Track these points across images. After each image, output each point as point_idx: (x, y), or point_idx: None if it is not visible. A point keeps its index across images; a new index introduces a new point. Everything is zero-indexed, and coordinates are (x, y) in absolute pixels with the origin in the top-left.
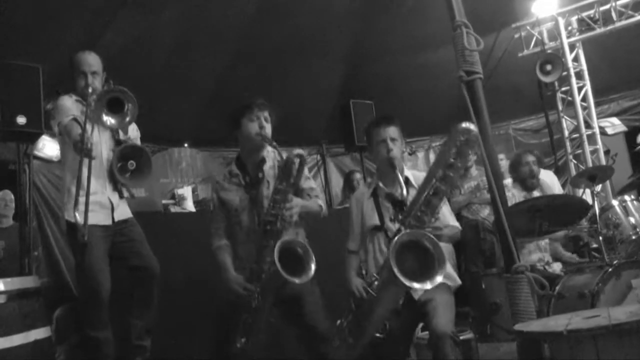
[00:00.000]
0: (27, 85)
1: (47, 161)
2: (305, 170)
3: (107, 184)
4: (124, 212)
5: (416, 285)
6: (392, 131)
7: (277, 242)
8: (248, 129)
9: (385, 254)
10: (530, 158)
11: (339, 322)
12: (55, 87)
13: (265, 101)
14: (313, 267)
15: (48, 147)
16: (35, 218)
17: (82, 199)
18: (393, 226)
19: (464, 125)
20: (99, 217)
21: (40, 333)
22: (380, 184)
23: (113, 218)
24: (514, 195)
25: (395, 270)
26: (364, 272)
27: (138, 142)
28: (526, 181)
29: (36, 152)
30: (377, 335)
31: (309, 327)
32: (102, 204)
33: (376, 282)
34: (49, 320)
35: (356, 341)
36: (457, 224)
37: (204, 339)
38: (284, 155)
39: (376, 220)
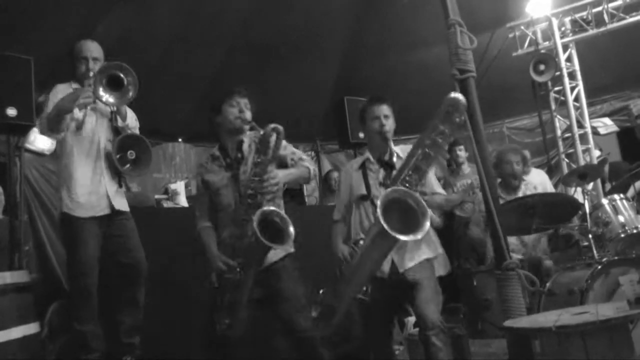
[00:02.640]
0: (18, 77)
1: (38, 154)
2: (285, 143)
3: (105, 172)
4: (121, 203)
5: (403, 237)
6: (385, 109)
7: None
8: (228, 114)
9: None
10: (514, 158)
11: (321, 290)
12: (47, 79)
13: (246, 90)
14: (292, 233)
15: (39, 139)
16: (27, 212)
17: (78, 190)
18: (380, 195)
19: (452, 95)
20: (95, 209)
21: (29, 328)
22: (370, 157)
23: (112, 207)
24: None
25: (383, 222)
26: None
27: (137, 132)
28: (506, 178)
29: (27, 145)
30: (360, 297)
31: (286, 320)
32: (98, 194)
33: (361, 242)
34: (38, 315)
35: (339, 303)
36: (443, 191)
37: (196, 335)
38: (262, 132)
39: (363, 190)
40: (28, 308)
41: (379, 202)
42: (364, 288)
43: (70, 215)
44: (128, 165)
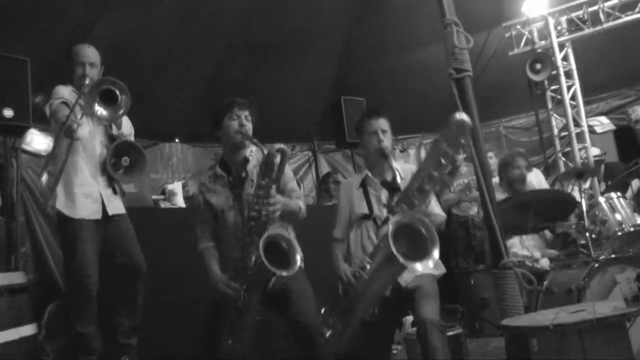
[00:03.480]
0: (14, 78)
1: (35, 155)
2: (289, 171)
3: (100, 177)
4: (116, 206)
5: (417, 265)
6: (383, 123)
7: (261, 238)
8: (229, 128)
9: (374, 241)
10: (523, 162)
11: (323, 309)
12: (43, 80)
13: (246, 101)
14: (298, 259)
15: (36, 140)
16: (23, 213)
17: (76, 190)
18: (382, 214)
19: (459, 117)
20: (89, 210)
21: (27, 330)
22: (370, 174)
23: (106, 212)
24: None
25: (394, 250)
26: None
27: (132, 139)
28: (515, 184)
29: (24, 146)
30: (368, 319)
31: (296, 323)
32: (92, 197)
33: (368, 266)
34: (35, 317)
35: (346, 326)
36: (442, 213)
37: (192, 337)
38: (266, 151)
39: (365, 209)
40: (25, 309)
41: (390, 228)
42: (372, 310)
43: (66, 216)
44: (122, 171)
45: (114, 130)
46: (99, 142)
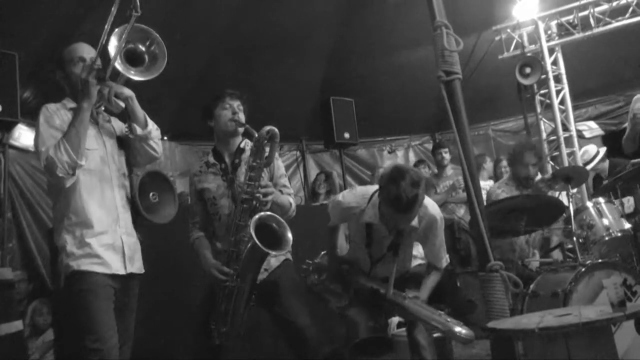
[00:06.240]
0: (2, 73)
1: (23, 151)
2: (281, 166)
3: (122, 218)
4: (139, 263)
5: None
6: (409, 219)
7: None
8: (222, 117)
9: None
10: (532, 159)
11: (322, 252)
12: (32, 75)
13: (237, 92)
14: (290, 238)
15: (24, 136)
16: (10, 209)
17: (91, 241)
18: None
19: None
20: (109, 265)
21: (12, 327)
22: (379, 224)
23: (126, 267)
24: (505, 192)
25: None
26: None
27: (159, 145)
28: (522, 181)
29: (12, 141)
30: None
31: (287, 323)
32: (114, 247)
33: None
34: (21, 313)
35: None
36: (444, 258)
37: (186, 337)
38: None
39: (362, 244)
40: (11, 306)
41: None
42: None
43: (83, 271)
44: (150, 211)
45: (139, 131)
46: (116, 171)
